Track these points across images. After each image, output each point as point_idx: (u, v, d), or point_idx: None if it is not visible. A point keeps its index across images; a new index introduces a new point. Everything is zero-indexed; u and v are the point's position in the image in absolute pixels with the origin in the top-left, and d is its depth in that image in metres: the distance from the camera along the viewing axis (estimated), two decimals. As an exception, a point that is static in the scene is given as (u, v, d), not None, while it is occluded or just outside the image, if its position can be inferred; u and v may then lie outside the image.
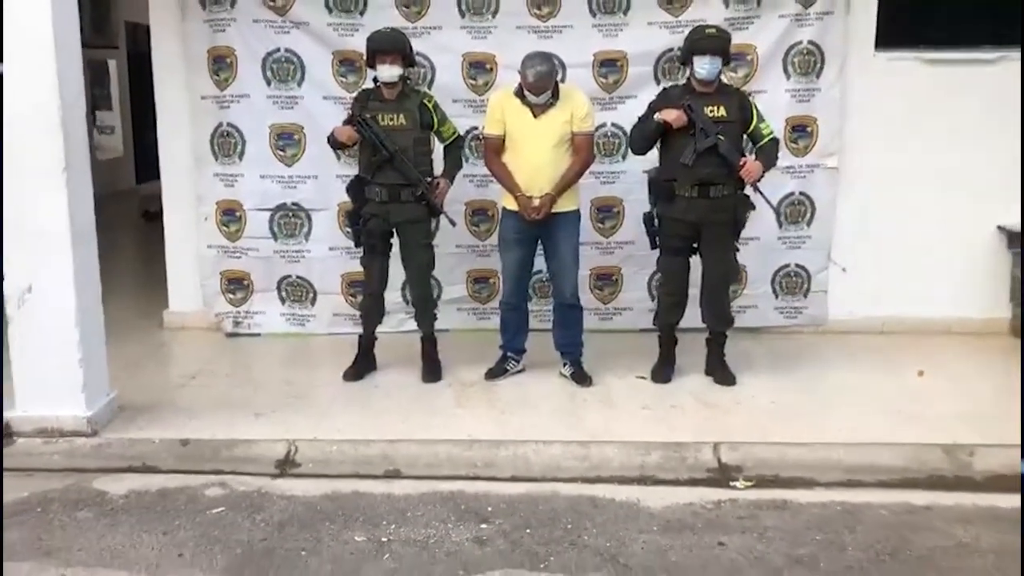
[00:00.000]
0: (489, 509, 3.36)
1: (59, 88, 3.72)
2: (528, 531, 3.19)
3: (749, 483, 3.66)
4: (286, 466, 3.76)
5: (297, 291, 5.49)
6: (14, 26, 3.68)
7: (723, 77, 4.58)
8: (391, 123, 4.40)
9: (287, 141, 5.32)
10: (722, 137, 4.34)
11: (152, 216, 9.04)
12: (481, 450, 3.85)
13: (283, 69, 5.25)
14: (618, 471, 3.73)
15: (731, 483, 3.66)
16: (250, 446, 3.88)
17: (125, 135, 11.97)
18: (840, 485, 3.64)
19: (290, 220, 5.40)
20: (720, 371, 4.69)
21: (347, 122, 4.52)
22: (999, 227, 5.44)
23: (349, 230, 4.90)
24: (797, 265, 5.52)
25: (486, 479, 3.63)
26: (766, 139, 4.45)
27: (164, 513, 3.33)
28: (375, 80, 4.48)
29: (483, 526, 3.23)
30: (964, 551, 3.12)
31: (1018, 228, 5.31)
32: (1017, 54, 5.26)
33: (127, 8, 11.16)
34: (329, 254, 5.43)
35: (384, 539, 3.12)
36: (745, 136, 4.48)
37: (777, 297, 5.55)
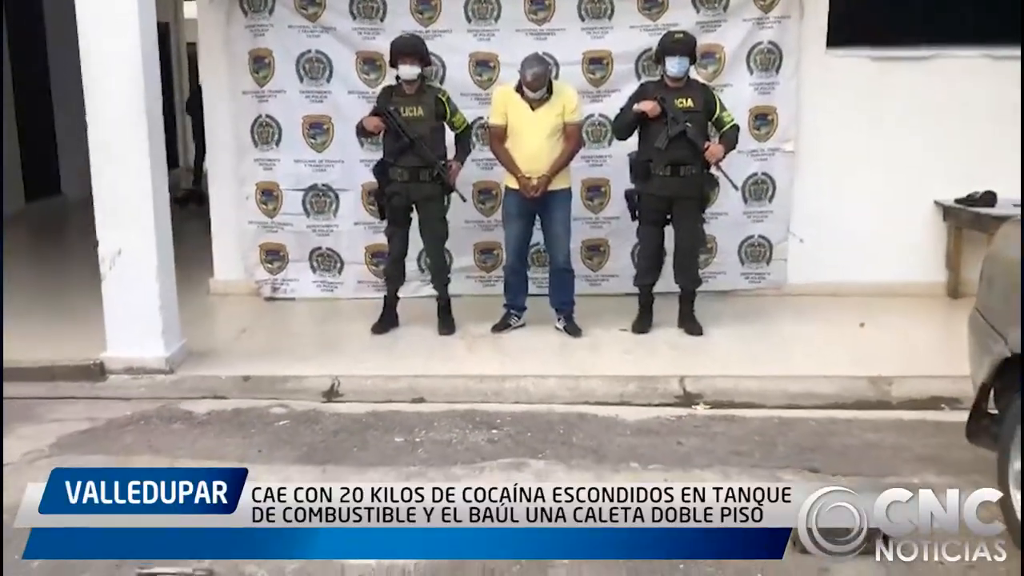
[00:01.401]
0: (498, 421, 4.29)
1: (144, 80, 4.62)
2: (529, 435, 4.13)
3: (708, 406, 4.59)
4: (331, 395, 4.68)
5: (326, 261, 6.41)
6: (104, 25, 4.55)
7: (692, 73, 5.50)
8: (411, 114, 5.31)
9: (317, 130, 6.23)
10: (690, 124, 5.25)
11: (181, 200, 10.02)
12: (490, 383, 4.77)
13: (314, 68, 6.15)
14: (601, 398, 4.65)
15: (692, 406, 4.58)
16: (300, 380, 4.80)
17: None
18: (782, 407, 4.56)
19: (320, 199, 6.31)
20: (689, 323, 5.62)
21: (373, 114, 5.42)
22: (935, 202, 6.36)
23: (372, 207, 5.82)
24: (760, 236, 6.44)
25: (495, 403, 4.55)
26: (727, 126, 5.37)
27: (240, 425, 4.26)
28: (397, 78, 5.39)
29: (494, 432, 4.16)
30: (870, 447, 4.04)
31: (951, 203, 6.24)
32: (950, 52, 6.20)
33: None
34: (354, 228, 6.35)
35: (417, 440, 4.06)
36: (710, 124, 5.40)
37: (743, 264, 6.48)
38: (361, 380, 4.80)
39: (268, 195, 6.33)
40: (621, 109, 5.46)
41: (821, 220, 6.35)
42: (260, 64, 6.16)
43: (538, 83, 5.22)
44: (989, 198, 6.01)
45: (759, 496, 2.93)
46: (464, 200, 5.68)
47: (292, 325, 5.99)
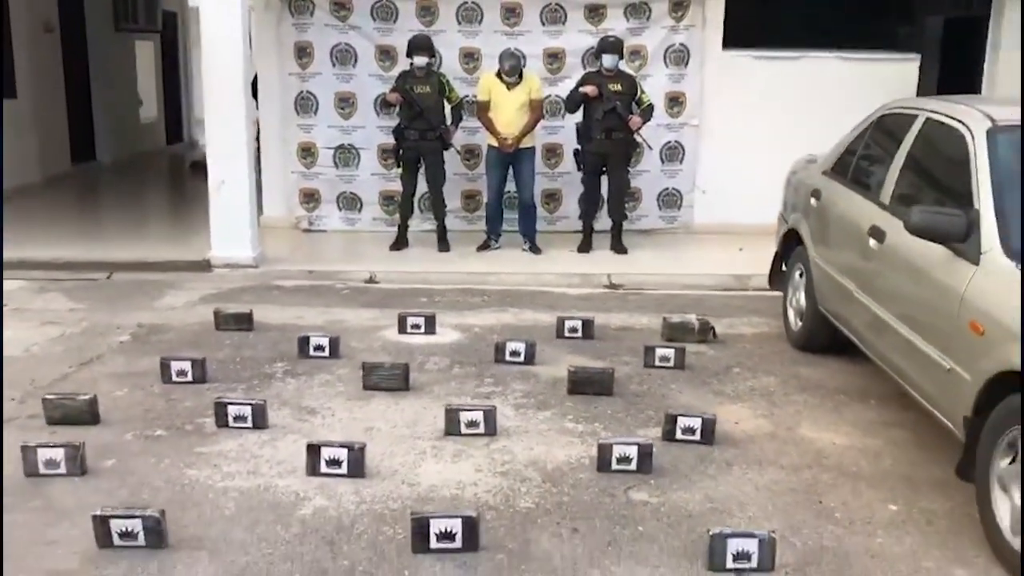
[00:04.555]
0: (486, 293, 6.74)
1: (243, 62, 6.95)
2: (507, 299, 6.57)
3: (626, 291, 7.06)
4: (371, 281, 7.06)
5: (350, 202, 8.77)
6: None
7: (622, 66, 7.96)
8: (421, 91, 7.69)
9: (345, 103, 8.59)
10: (619, 103, 7.71)
11: (198, 166, 12.28)
12: (478, 276, 7.19)
13: (343, 56, 8.51)
14: (554, 284, 7.10)
15: (614, 288, 7.05)
16: (347, 273, 7.19)
17: (158, 104, 15.04)
18: (675, 289, 7.04)
19: (346, 155, 8.67)
20: (618, 245, 8.09)
21: (392, 91, 7.78)
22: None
23: (385, 162, 8.22)
24: (673, 188, 8.95)
25: (482, 285, 6.97)
26: (645, 105, 7.85)
27: (318, 293, 6.66)
28: (411, 64, 7.76)
29: (484, 297, 6.62)
30: (723, 306, 6.54)
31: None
32: (812, 53, 8.75)
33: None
34: (371, 178, 8.72)
35: (436, 299, 6.48)
36: (634, 103, 7.86)
37: (660, 209, 8.98)
38: (389, 273, 7.20)
39: (307, 151, 8.68)
40: (571, 91, 7.91)
41: (718, 177, 8.85)
42: (303, 53, 8.50)
43: (512, 71, 7.66)
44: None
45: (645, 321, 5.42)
46: (459, 153, 8.13)
47: (328, 246, 8.35)
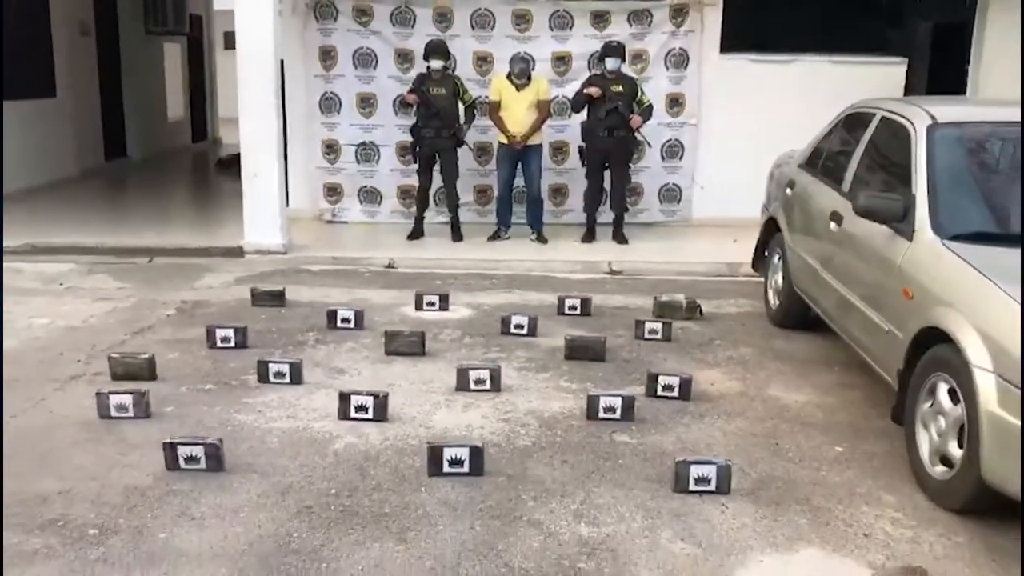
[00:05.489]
0: (495, 277, 7.42)
1: (273, 68, 7.66)
2: (515, 282, 7.25)
3: (625, 276, 7.72)
4: (390, 266, 7.75)
5: (370, 196, 9.47)
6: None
7: (624, 68, 8.63)
8: (437, 92, 8.37)
9: (366, 104, 9.29)
10: (620, 103, 8.38)
11: (224, 163, 13.03)
12: (488, 263, 7.86)
13: (365, 59, 9.21)
14: (560, 271, 7.77)
15: (615, 274, 7.72)
16: (368, 259, 7.88)
17: (184, 103, 15.81)
18: (671, 275, 7.70)
19: (367, 151, 9.38)
20: (619, 237, 8.76)
21: (410, 92, 8.47)
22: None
23: (403, 158, 8.91)
24: (674, 184, 9.61)
25: (492, 271, 7.65)
26: (645, 105, 8.51)
27: (343, 276, 7.37)
28: (428, 67, 8.45)
29: (494, 280, 7.31)
30: (712, 290, 7.18)
31: (803, 162, 9.42)
32: (804, 57, 9.39)
33: (193, 3, 15.06)
34: (390, 173, 9.43)
35: (450, 282, 7.17)
36: (634, 103, 8.52)
37: (661, 203, 9.64)
38: (407, 259, 7.90)
39: (330, 148, 9.39)
40: (576, 92, 8.58)
41: (716, 173, 9.50)
42: (327, 56, 9.21)
43: (522, 74, 8.34)
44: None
45: (640, 302, 6.09)
46: (471, 149, 8.81)
47: (350, 235, 9.05)
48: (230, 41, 15.13)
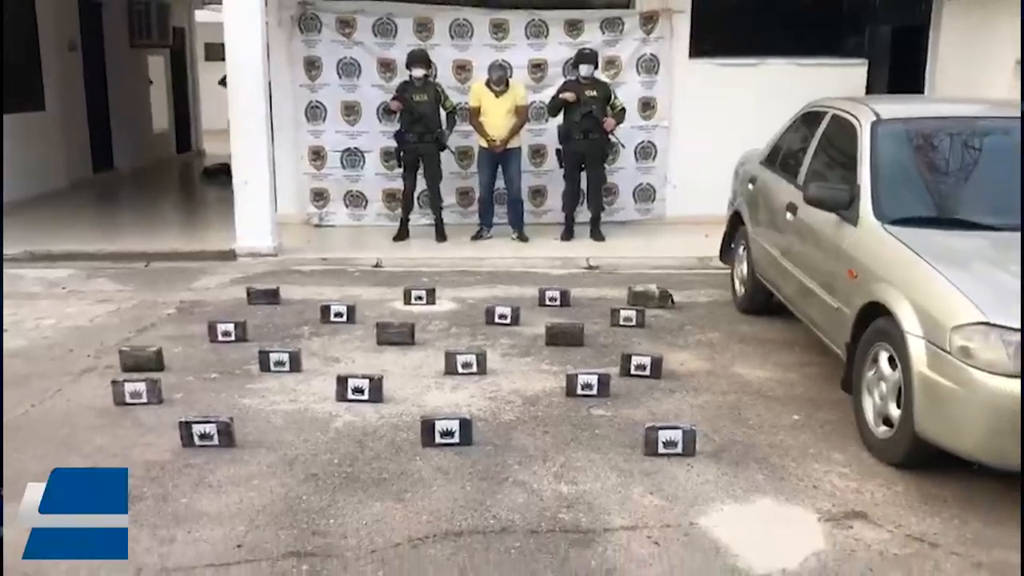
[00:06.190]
0: (478, 273, 7.85)
1: (262, 81, 8.06)
2: (497, 278, 7.68)
3: (602, 271, 8.15)
4: (377, 266, 8.16)
5: (356, 200, 9.88)
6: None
7: (597, 74, 9.08)
8: (420, 99, 8.79)
9: (351, 111, 9.70)
10: (595, 107, 8.83)
11: (210, 172, 13.40)
12: (471, 261, 8.29)
13: (349, 69, 9.62)
14: (540, 267, 8.20)
15: (591, 269, 8.16)
16: (357, 259, 8.30)
17: (168, 115, 16.14)
18: (644, 269, 8.14)
19: (352, 157, 9.79)
20: (596, 234, 9.21)
21: (394, 99, 8.89)
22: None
23: (387, 164, 9.32)
24: (647, 184, 10.08)
25: (476, 268, 8.08)
26: (617, 108, 8.97)
27: (333, 275, 7.77)
28: (410, 76, 8.86)
29: (477, 276, 7.73)
30: (684, 281, 7.63)
31: (771, 161, 9.90)
32: (769, 61, 9.88)
33: (175, 16, 15.42)
34: (375, 177, 9.84)
35: (435, 279, 7.58)
36: (608, 107, 8.97)
37: (636, 203, 10.11)
38: (394, 259, 8.32)
39: (316, 154, 9.79)
40: (552, 97, 9.02)
41: (687, 173, 9.97)
42: (312, 66, 9.62)
43: (499, 80, 8.78)
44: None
45: (615, 293, 6.52)
46: (453, 153, 9.24)
47: (338, 238, 9.46)
48: (211, 52, 15.62)
